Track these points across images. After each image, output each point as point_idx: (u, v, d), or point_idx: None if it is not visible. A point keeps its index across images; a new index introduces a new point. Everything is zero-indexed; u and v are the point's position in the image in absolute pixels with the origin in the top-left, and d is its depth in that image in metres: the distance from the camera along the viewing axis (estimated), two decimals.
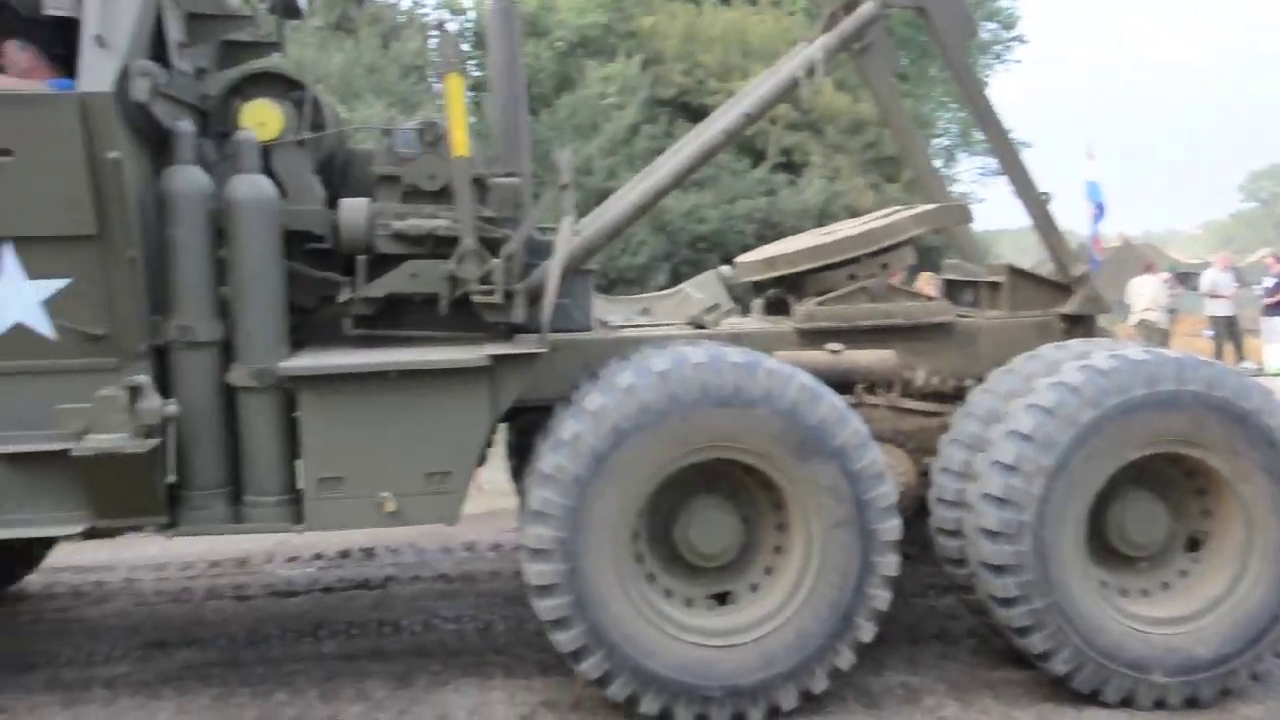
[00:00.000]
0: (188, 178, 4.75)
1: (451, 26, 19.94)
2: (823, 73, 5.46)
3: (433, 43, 18.83)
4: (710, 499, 4.86)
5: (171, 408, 4.62)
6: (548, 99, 18.32)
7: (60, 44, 4.87)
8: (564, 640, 4.57)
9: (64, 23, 4.77)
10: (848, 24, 5.55)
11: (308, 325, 5.21)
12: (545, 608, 4.56)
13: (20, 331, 4.61)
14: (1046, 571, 4.64)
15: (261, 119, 5.11)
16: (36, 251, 4.55)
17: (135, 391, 4.55)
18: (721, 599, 4.88)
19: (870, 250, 5.72)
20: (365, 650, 5.56)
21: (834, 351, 5.42)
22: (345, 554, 7.31)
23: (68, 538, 4.92)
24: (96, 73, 4.49)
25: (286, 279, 4.91)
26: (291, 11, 6.09)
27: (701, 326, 5.65)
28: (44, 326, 4.62)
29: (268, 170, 5.01)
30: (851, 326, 5.53)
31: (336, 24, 18.54)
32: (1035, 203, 5.65)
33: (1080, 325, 5.65)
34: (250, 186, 4.82)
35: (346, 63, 17.14)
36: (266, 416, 4.82)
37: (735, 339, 5.30)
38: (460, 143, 4.88)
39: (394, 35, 19.18)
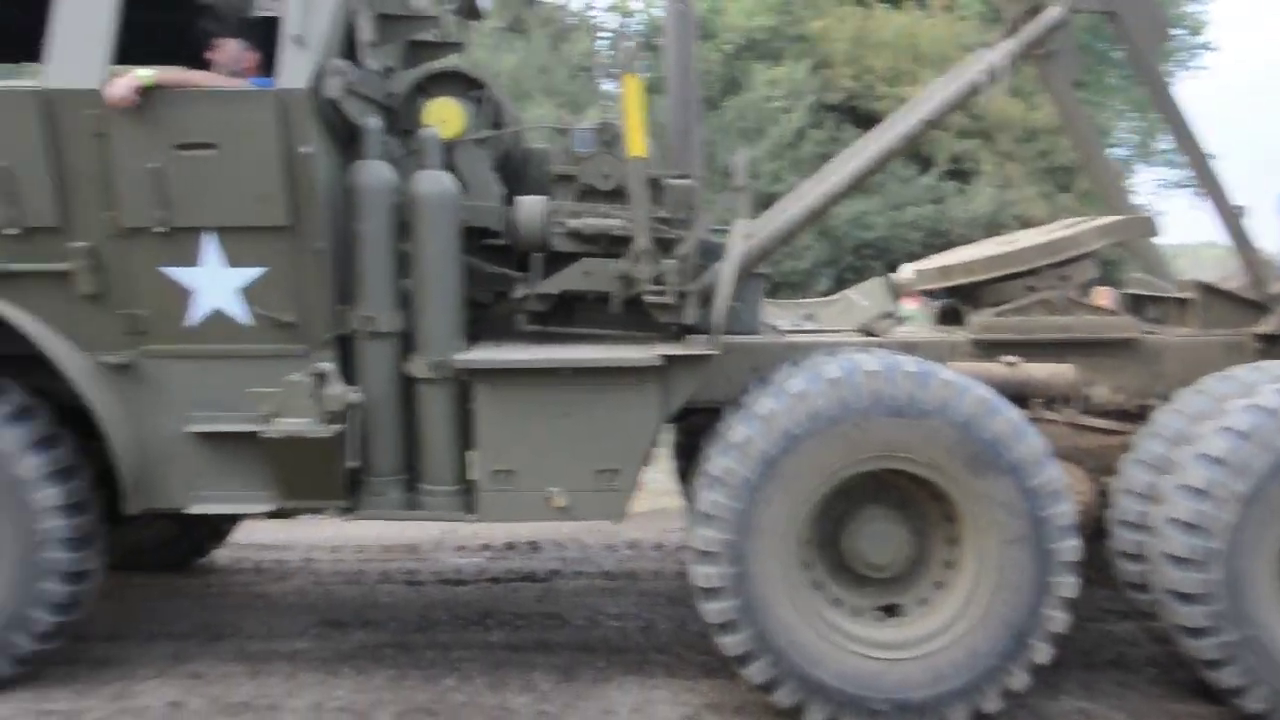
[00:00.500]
0: (374, 173, 4.89)
1: (624, 29, 20.14)
2: (1005, 79, 5.33)
3: (603, 44, 19.02)
4: (880, 509, 4.77)
5: (355, 395, 4.77)
6: (715, 101, 18.31)
7: (264, 44, 5.08)
8: (730, 644, 4.55)
9: (267, 23, 4.98)
10: (1032, 29, 5.39)
11: (483, 320, 5.32)
12: (712, 610, 4.54)
13: (219, 317, 4.82)
14: (1240, 603, 4.42)
15: (444, 117, 5.24)
16: (235, 241, 4.75)
17: (321, 378, 4.71)
18: (890, 611, 4.79)
19: (1052, 261, 5.54)
20: (531, 642, 5.64)
21: (1010, 364, 5.27)
22: (511, 546, 7.44)
23: (253, 516, 5.13)
24: (293, 71, 4.67)
25: (464, 274, 5.02)
26: (474, 13, 6.23)
27: (873, 334, 5.56)
28: (240, 313, 4.82)
29: (449, 166, 5.13)
30: (1029, 339, 5.37)
31: (509, 25, 18.90)
32: (1230, 216, 5.40)
33: (1277, 346, 5.37)
34: (433, 183, 4.94)
35: (518, 63, 17.46)
36: (442, 407, 4.93)
37: (908, 348, 5.19)
38: (636, 143, 4.91)
39: (564, 37, 19.47)
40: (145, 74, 4.60)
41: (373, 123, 4.93)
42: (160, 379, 4.86)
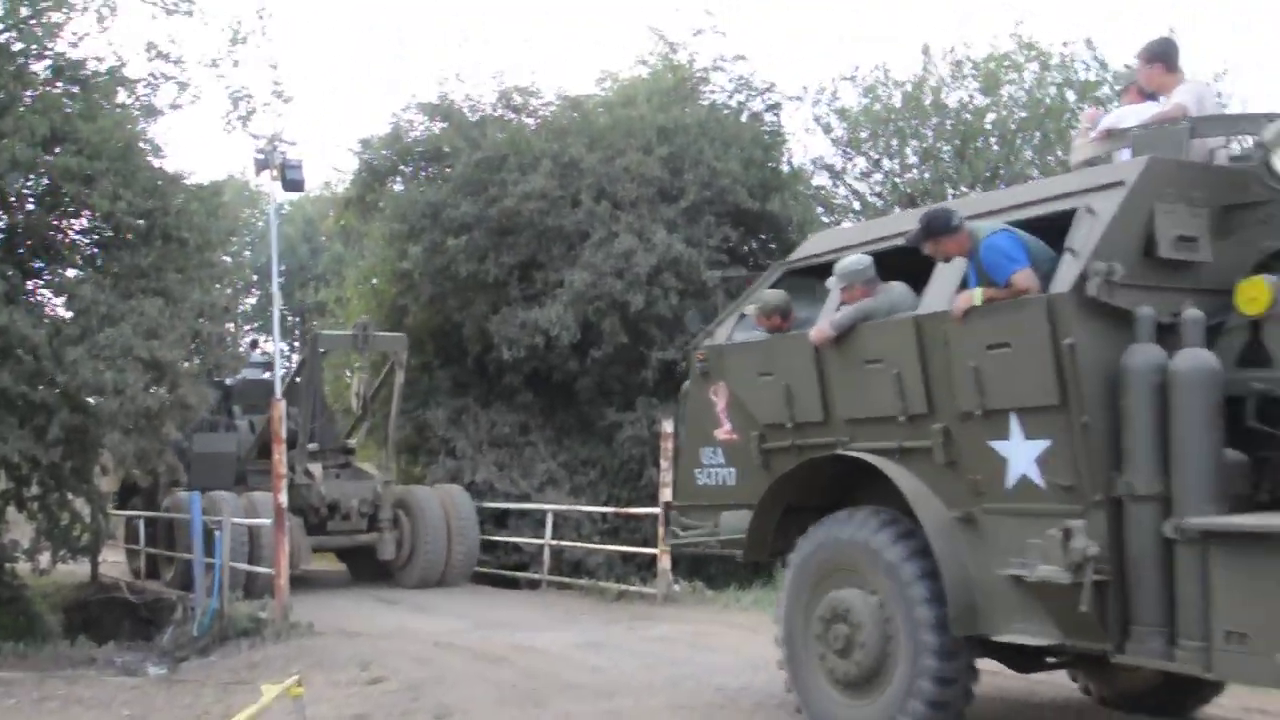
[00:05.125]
0: (1138, 354, 5.58)
1: None
2: None
3: None
4: None
5: (1093, 549, 5.46)
6: None
7: None
8: None
9: None
10: None
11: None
12: None
13: (1025, 481, 5.97)
14: None
15: (1252, 294, 5.62)
16: (1029, 419, 5.89)
17: (1068, 533, 5.54)
18: None
19: None
20: None
21: None
22: None
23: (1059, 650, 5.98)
24: (1062, 277, 5.73)
25: (1221, 443, 5.33)
26: None
27: None
28: (1037, 477, 5.91)
29: (1255, 341, 5.51)
30: None
31: None
32: None
33: None
34: (1190, 360, 5.43)
35: None
36: (1187, 567, 5.29)
37: None
38: None
39: None
40: (977, 294, 6.11)
41: (1144, 311, 5.64)
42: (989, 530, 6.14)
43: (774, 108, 19.73)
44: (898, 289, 6.71)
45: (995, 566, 6.08)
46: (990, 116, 19.95)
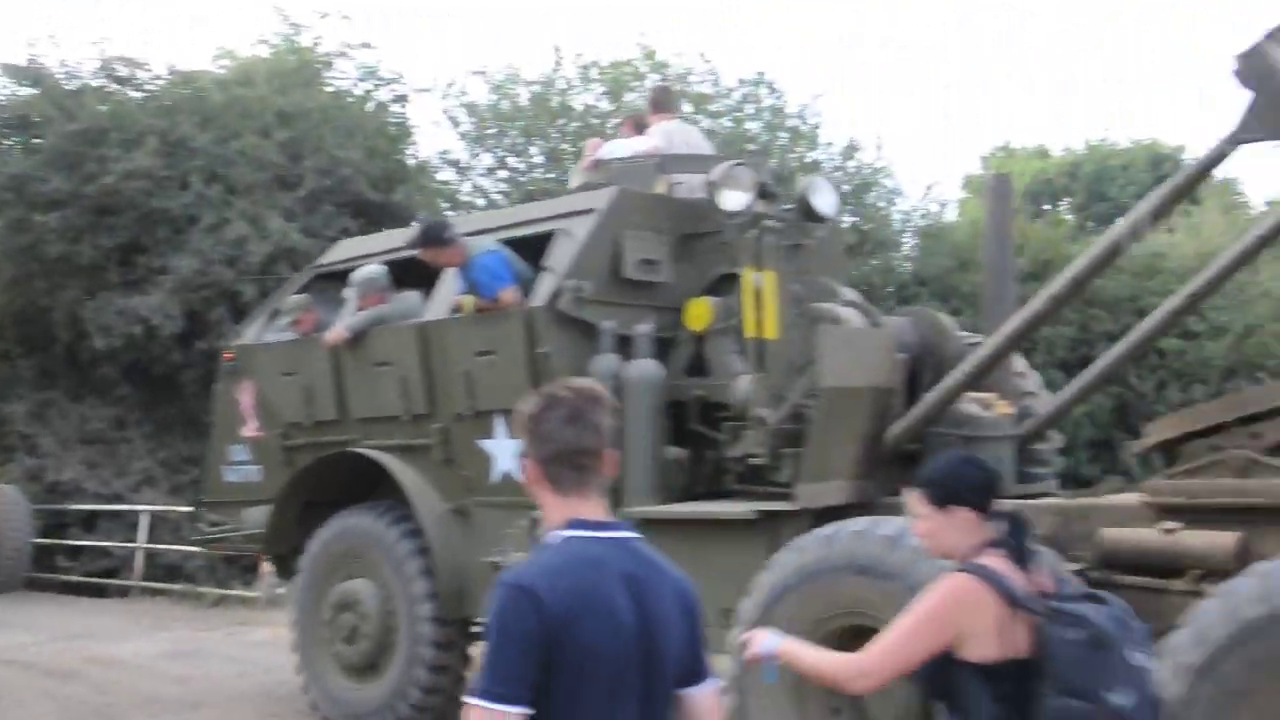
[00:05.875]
0: (601, 363, 6.23)
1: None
2: (1146, 231, 4.94)
3: None
4: None
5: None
6: None
7: None
8: None
9: None
10: (1184, 174, 4.92)
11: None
12: None
13: (509, 477, 6.53)
14: None
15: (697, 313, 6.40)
16: (511, 420, 6.46)
17: (534, 522, 6.14)
18: None
19: (1238, 416, 4.75)
20: None
21: (1167, 531, 4.70)
22: None
23: None
24: (538, 293, 6.32)
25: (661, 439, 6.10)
26: (813, 216, 7.00)
27: None
28: (517, 473, 6.48)
29: (700, 355, 6.28)
30: (1198, 504, 4.70)
31: None
32: None
33: None
34: (637, 368, 6.15)
35: None
36: None
37: (1083, 511, 4.98)
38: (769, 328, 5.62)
39: None
40: (468, 302, 6.60)
41: (606, 325, 6.31)
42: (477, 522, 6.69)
43: (401, 99, 19.74)
44: (411, 297, 7.14)
45: (481, 554, 6.62)
46: (614, 122, 20.89)
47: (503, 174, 20.61)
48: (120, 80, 17.60)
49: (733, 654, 5.02)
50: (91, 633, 11.65)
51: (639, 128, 7.60)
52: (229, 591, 13.88)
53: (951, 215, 22.54)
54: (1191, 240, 19.42)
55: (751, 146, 19.20)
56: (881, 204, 20.38)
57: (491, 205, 20.06)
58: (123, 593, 14.85)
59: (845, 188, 19.52)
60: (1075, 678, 2.72)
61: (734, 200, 6.17)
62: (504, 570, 2.49)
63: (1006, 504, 3.07)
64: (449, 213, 19.72)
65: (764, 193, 6.72)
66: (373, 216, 18.66)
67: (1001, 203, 6.53)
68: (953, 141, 60.09)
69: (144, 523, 14.80)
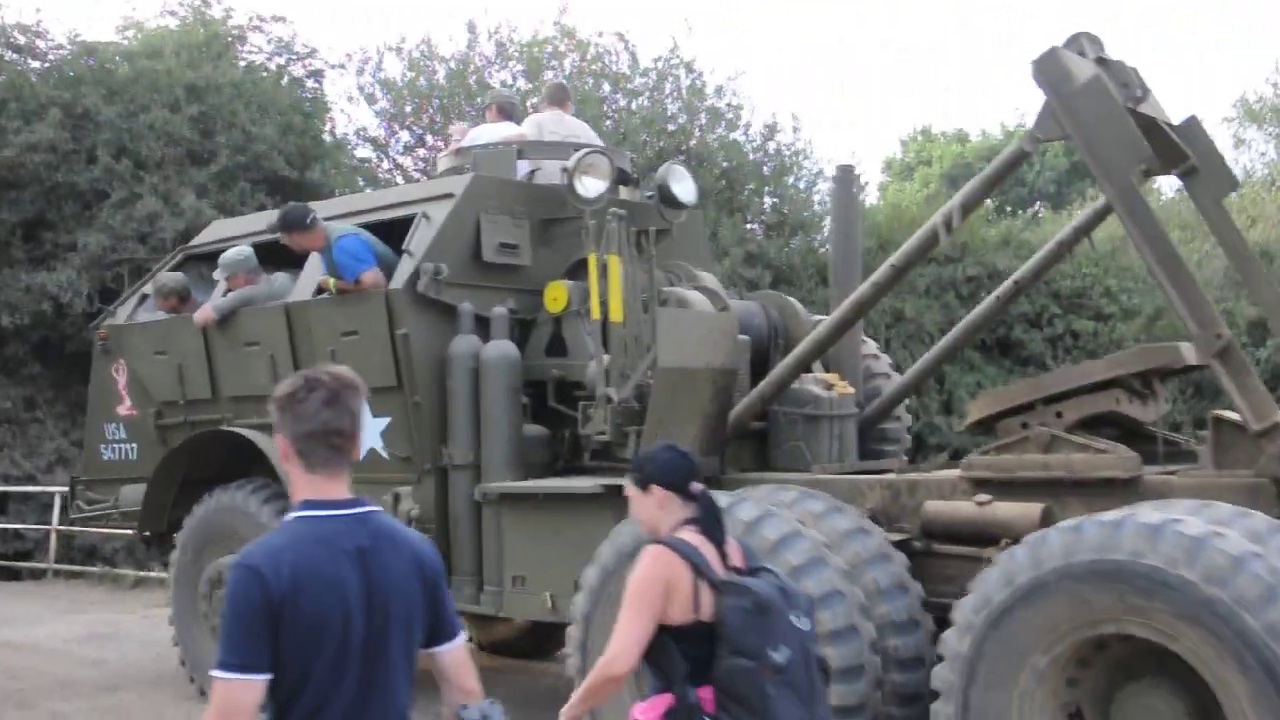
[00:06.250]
0: (461, 344, 6.38)
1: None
2: (959, 223, 5.17)
3: None
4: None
5: (415, 510, 6.25)
6: None
7: None
8: None
9: None
10: (991, 166, 5.16)
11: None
12: None
13: (373, 453, 6.66)
14: None
15: (554, 295, 6.56)
16: (375, 398, 6.56)
17: (396, 497, 6.30)
18: None
19: (1043, 396, 5.02)
20: None
21: (981, 503, 4.96)
22: None
23: None
24: (398, 275, 6.44)
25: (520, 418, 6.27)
26: (674, 203, 7.17)
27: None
28: (382, 449, 6.62)
29: (559, 336, 6.44)
30: (1010, 478, 4.97)
31: None
32: None
33: None
34: (495, 349, 6.30)
35: None
36: (489, 524, 6.18)
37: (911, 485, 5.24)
38: (615, 310, 5.80)
39: None
40: (333, 284, 6.70)
41: (465, 306, 6.44)
42: None
43: (316, 74, 19.66)
44: (280, 278, 7.23)
45: None
46: (533, 101, 20.91)
47: (421, 152, 20.56)
48: (19, 49, 17.28)
49: (577, 622, 5.24)
50: (4, 617, 11.41)
51: (503, 113, 7.72)
52: (148, 574, 13.69)
53: (873, 198, 22.83)
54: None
55: (670, 127, 19.33)
56: (802, 186, 20.56)
57: (410, 184, 20.04)
58: (37, 576, 14.69)
59: (765, 170, 19.74)
60: (741, 640, 3.08)
61: (590, 187, 6.34)
62: (240, 551, 2.65)
63: (698, 487, 3.37)
64: (368, 190, 19.71)
65: (623, 179, 6.89)
66: (288, 193, 18.50)
67: (846, 191, 6.74)
68: (874, 125, 60.71)
69: (57, 504, 14.43)
